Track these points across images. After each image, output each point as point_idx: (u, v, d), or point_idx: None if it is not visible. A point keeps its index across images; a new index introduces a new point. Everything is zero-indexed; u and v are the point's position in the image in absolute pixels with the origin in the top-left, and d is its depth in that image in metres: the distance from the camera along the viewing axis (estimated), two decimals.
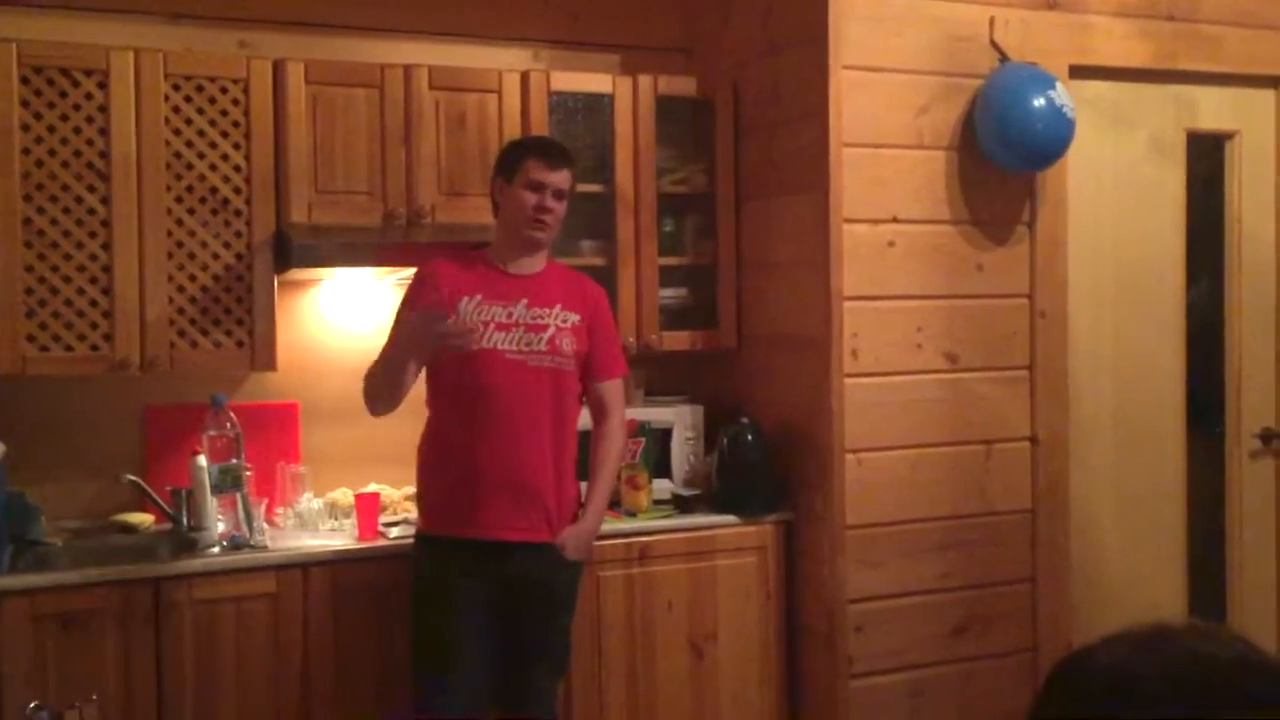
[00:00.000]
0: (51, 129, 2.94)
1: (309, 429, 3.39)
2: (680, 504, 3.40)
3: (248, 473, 3.00)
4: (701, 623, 3.27)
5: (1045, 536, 3.45)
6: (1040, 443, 3.43)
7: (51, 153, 2.94)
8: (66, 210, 2.95)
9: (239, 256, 3.09)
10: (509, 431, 2.78)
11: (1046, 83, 3.24)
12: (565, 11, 3.71)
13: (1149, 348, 3.64)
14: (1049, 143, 3.27)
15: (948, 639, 3.35)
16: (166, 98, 3.02)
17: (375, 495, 3.17)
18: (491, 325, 2.79)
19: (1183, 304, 3.68)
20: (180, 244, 3.05)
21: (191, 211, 3.05)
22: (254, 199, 3.09)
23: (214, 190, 3.07)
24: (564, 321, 2.87)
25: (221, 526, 2.95)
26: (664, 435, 3.48)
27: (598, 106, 3.46)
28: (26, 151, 2.92)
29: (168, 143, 3.02)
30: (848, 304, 3.20)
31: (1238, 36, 3.62)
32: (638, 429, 3.29)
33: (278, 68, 3.12)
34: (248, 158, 3.09)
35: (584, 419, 2.97)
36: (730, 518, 3.33)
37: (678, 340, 3.54)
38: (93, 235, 2.97)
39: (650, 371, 3.65)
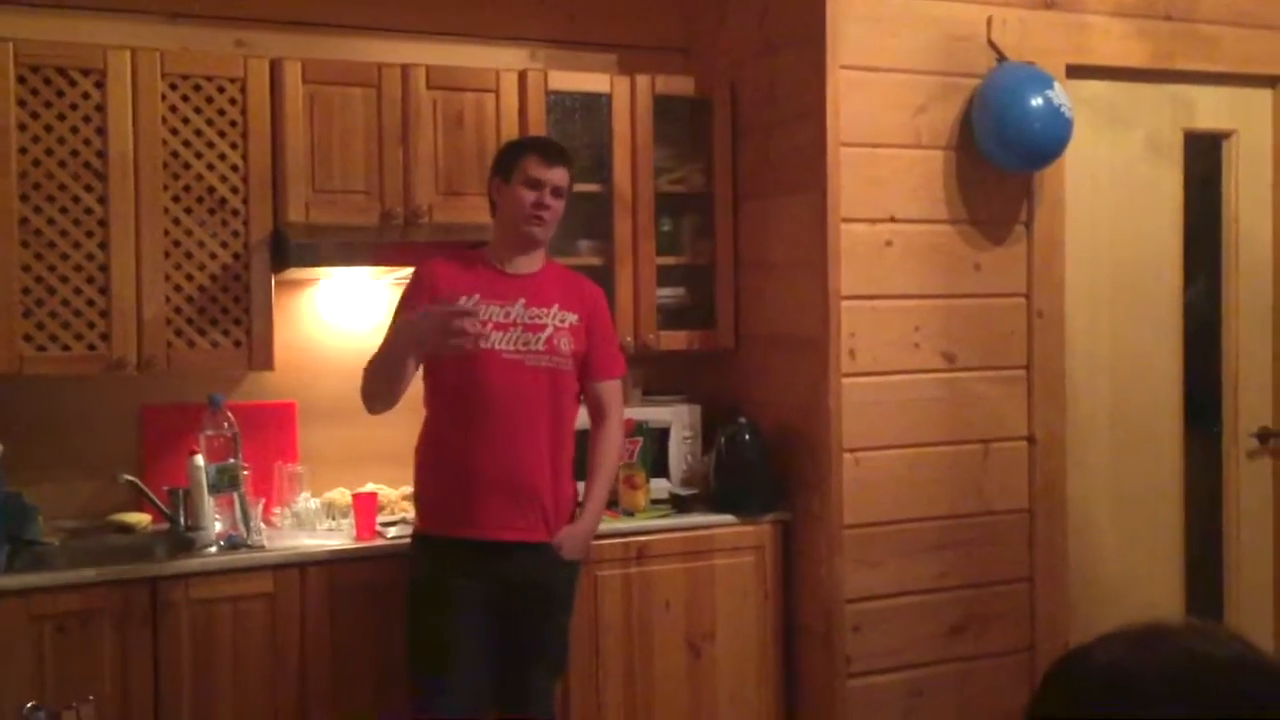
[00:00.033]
0: (48, 128, 2.94)
1: (306, 428, 3.39)
2: (678, 503, 3.40)
3: (245, 472, 3.00)
4: (699, 622, 3.27)
5: (1043, 536, 3.45)
6: (1038, 442, 3.44)
7: (48, 152, 2.94)
8: (63, 209, 2.95)
9: (236, 256, 3.09)
10: (506, 431, 2.78)
11: (1044, 82, 3.24)
12: (563, 11, 3.71)
13: (1146, 347, 3.64)
14: (1047, 142, 3.27)
15: (945, 638, 3.35)
16: (163, 97, 3.02)
17: (373, 495, 3.17)
18: (489, 325, 2.79)
19: (1180, 303, 3.68)
20: (177, 243, 3.04)
21: (189, 211, 3.05)
22: (251, 198, 3.09)
23: (211, 190, 3.06)
24: (562, 321, 2.87)
25: (219, 526, 2.95)
26: (662, 435, 3.48)
27: (595, 106, 3.46)
28: (23, 151, 2.92)
29: (165, 142, 3.02)
30: (845, 303, 3.20)
31: (1235, 36, 3.62)
32: (635, 428, 3.29)
33: (275, 67, 3.11)
34: (245, 157, 3.09)
35: (581, 418, 2.97)
36: (728, 517, 3.33)
37: (675, 340, 3.54)
38: (90, 234, 2.97)
39: (648, 371, 3.65)
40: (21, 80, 2.91)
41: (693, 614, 3.27)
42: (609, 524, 3.15)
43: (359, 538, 3.07)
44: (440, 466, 2.83)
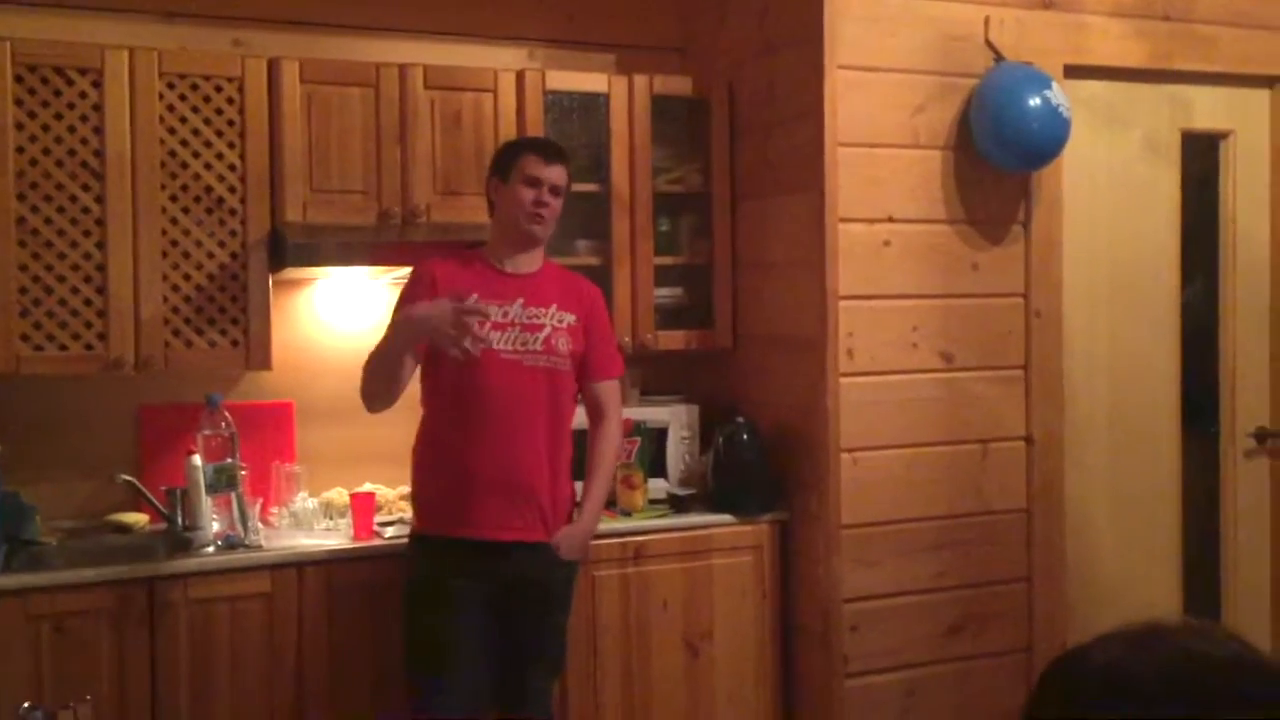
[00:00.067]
0: (46, 128, 2.93)
1: (304, 428, 3.39)
2: (675, 503, 3.40)
3: (242, 472, 3.00)
4: (697, 622, 3.27)
5: (1040, 536, 3.45)
6: (1035, 442, 3.44)
7: (46, 151, 2.94)
8: (61, 209, 2.95)
9: (234, 255, 3.09)
10: (504, 431, 2.77)
11: (1042, 82, 3.24)
12: (561, 11, 3.71)
13: (1144, 347, 3.65)
14: (1044, 142, 3.27)
15: (943, 638, 3.35)
16: (161, 96, 3.02)
17: (370, 495, 3.17)
18: (488, 325, 2.78)
19: (1177, 304, 3.69)
20: (175, 243, 3.04)
21: (186, 210, 3.05)
22: (249, 198, 3.09)
23: (209, 189, 3.06)
24: (560, 321, 2.87)
25: (216, 526, 2.95)
26: (659, 435, 3.48)
27: (593, 106, 3.46)
28: (21, 150, 2.91)
29: (162, 141, 3.02)
30: (843, 303, 3.20)
31: (1232, 36, 3.62)
32: (633, 428, 3.29)
33: (272, 66, 3.11)
34: (242, 156, 3.08)
35: (579, 418, 2.96)
36: (726, 517, 3.33)
37: (673, 340, 3.54)
38: (87, 234, 2.97)
39: (646, 371, 3.65)
40: (19, 79, 2.91)
41: (690, 614, 3.27)
42: (607, 524, 3.15)
43: (356, 538, 3.07)
44: (438, 466, 2.83)
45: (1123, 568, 3.61)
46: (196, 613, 2.84)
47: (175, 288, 3.04)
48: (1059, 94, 3.24)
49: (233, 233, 3.09)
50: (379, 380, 2.75)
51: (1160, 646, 0.90)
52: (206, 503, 2.93)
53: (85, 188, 2.97)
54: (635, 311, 3.45)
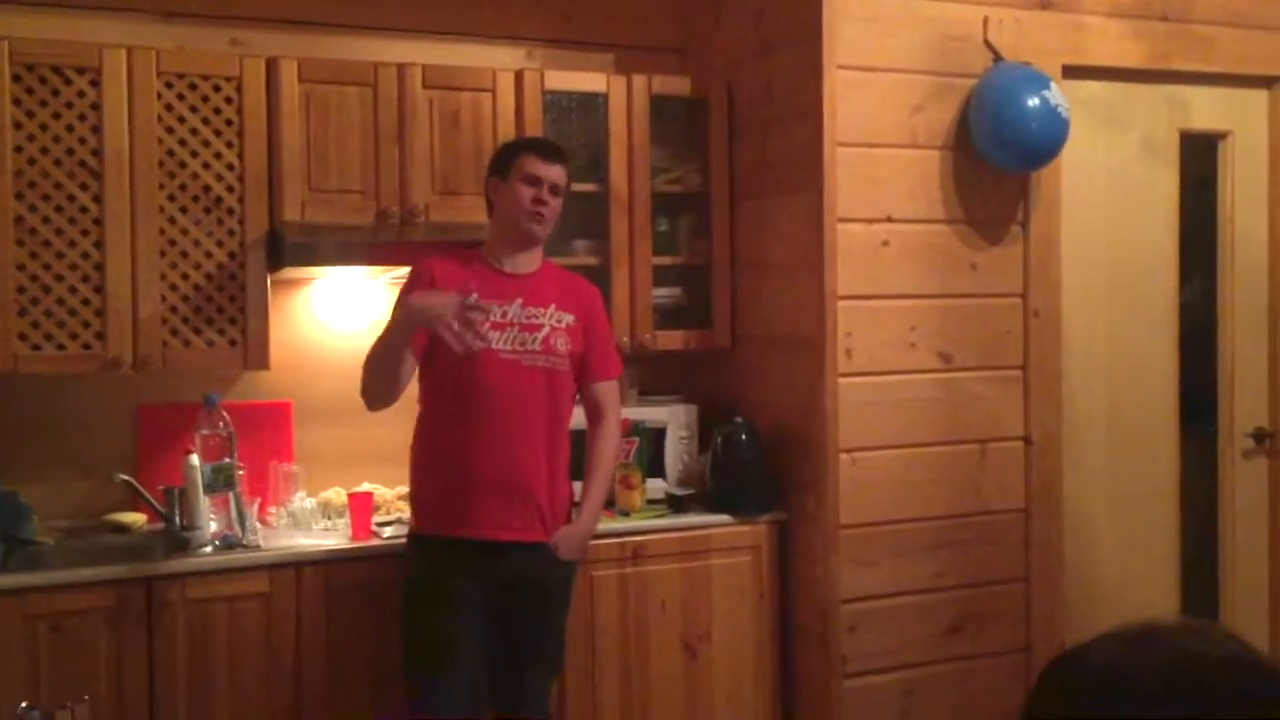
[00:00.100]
0: (44, 127, 2.93)
1: (302, 428, 3.39)
2: (674, 504, 3.40)
3: (240, 472, 3.00)
4: (695, 622, 3.27)
5: (1039, 536, 3.45)
6: (1034, 442, 3.44)
7: (44, 150, 2.93)
8: (59, 208, 2.95)
9: (232, 255, 3.08)
10: (503, 431, 2.77)
11: (1041, 82, 3.24)
12: (559, 11, 3.71)
13: (1142, 348, 3.65)
14: (1043, 142, 3.27)
15: (941, 638, 3.35)
16: (159, 95, 3.02)
17: (368, 495, 3.17)
18: (486, 324, 2.78)
19: (1176, 304, 3.69)
20: (173, 242, 3.04)
21: (184, 210, 3.05)
22: (247, 197, 3.09)
23: (207, 189, 3.06)
24: (559, 321, 2.87)
25: (214, 526, 2.95)
26: (658, 435, 3.48)
27: (592, 106, 3.46)
28: (19, 149, 2.91)
29: (160, 141, 3.02)
30: (842, 303, 3.20)
31: (1230, 37, 3.62)
32: (631, 428, 3.29)
33: (271, 66, 3.11)
34: (241, 156, 3.08)
35: (577, 418, 2.96)
36: (724, 517, 3.33)
37: (672, 340, 3.53)
38: (85, 233, 2.97)
39: (644, 371, 3.65)
40: (17, 78, 2.90)
41: (689, 614, 3.26)
42: (605, 524, 3.15)
43: (354, 537, 3.07)
44: (436, 466, 2.82)
45: (1121, 568, 3.62)
46: (194, 613, 2.84)
47: (173, 287, 3.04)
48: (1058, 94, 3.24)
49: (231, 232, 3.08)
50: (379, 377, 2.74)
51: (1158, 646, 0.90)
52: (204, 502, 2.93)
53: (83, 187, 2.96)
54: (634, 311, 3.45)
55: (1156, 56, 3.54)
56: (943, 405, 3.34)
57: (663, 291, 3.53)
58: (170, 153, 3.03)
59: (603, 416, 2.95)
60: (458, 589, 2.75)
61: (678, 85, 3.56)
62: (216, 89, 3.06)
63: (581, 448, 2.95)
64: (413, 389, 2.84)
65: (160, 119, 3.02)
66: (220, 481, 2.94)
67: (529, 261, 2.90)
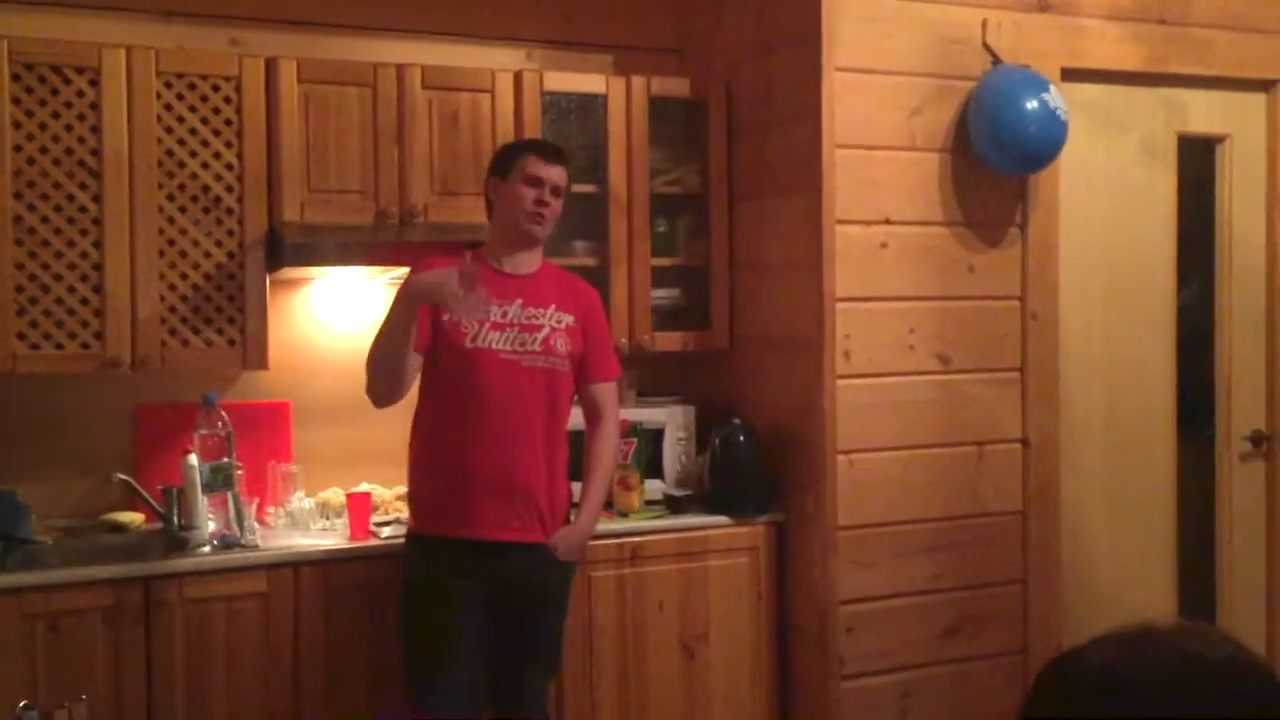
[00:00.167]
0: (43, 126, 2.93)
1: (300, 428, 3.39)
2: (672, 504, 3.40)
3: (239, 472, 3.00)
4: (693, 623, 3.27)
5: (1036, 538, 3.45)
6: (1031, 445, 3.44)
7: (43, 150, 2.93)
8: (58, 208, 2.95)
9: (231, 255, 3.08)
10: (502, 431, 2.77)
11: (1039, 85, 3.24)
12: (558, 12, 3.71)
13: (1140, 350, 3.65)
14: (1042, 145, 3.28)
15: (939, 640, 3.35)
16: (158, 95, 3.02)
17: (367, 495, 3.17)
18: (486, 324, 2.79)
19: (1173, 307, 3.69)
20: (172, 242, 3.04)
21: (183, 210, 3.05)
22: (246, 197, 3.09)
23: (206, 188, 3.06)
24: (558, 322, 2.87)
25: (212, 525, 2.95)
26: (656, 436, 3.48)
27: (591, 107, 3.46)
28: (18, 149, 2.91)
29: (159, 140, 3.02)
30: (840, 305, 3.20)
31: (1228, 40, 3.63)
32: (630, 429, 3.29)
33: (270, 66, 3.11)
34: (240, 156, 3.08)
35: (575, 419, 2.96)
36: (722, 518, 3.33)
37: (670, 341, 3.54)
38: (84, 233, 2.97)
39: (643, 372, 3.65)
40: (16, 78, 2.90)
41: (687, 615, 3.27)
42: (603, 525, 3.14)
43: (353, 537, 3.07)
44: (435, 466, 2.83)
45: (1118, 570, 3.62)
46: (192, 612, 2.84)
47: (172, 287, 3.04)
48: (1056, 97, 3.24)
49: (230, 232, 3.08)
50: (382, 370, 2.73)
51: (1155, 648, 0.90)
52: (203, 502, 2.93)
53: (82, 186, 2.96)
54: (632, 312, 3.45)
55: (1155, 60, 3.55)
56: (941, 407, 3.34)
57: (661, 292, 3.54)
58: (169, 152, 3.03)
59: (601, 418, 2.96)
60: (456, 589, 2.76)
61: (677, 86, 3.56)
62: (216, 89, 3.07)
63: (580, 449, 2.95)
64: (414, 391, 2.84)
65: (159, 119, 3.02)
66: (219, 481, 2.94)
67: (529, 262, 2.90)
